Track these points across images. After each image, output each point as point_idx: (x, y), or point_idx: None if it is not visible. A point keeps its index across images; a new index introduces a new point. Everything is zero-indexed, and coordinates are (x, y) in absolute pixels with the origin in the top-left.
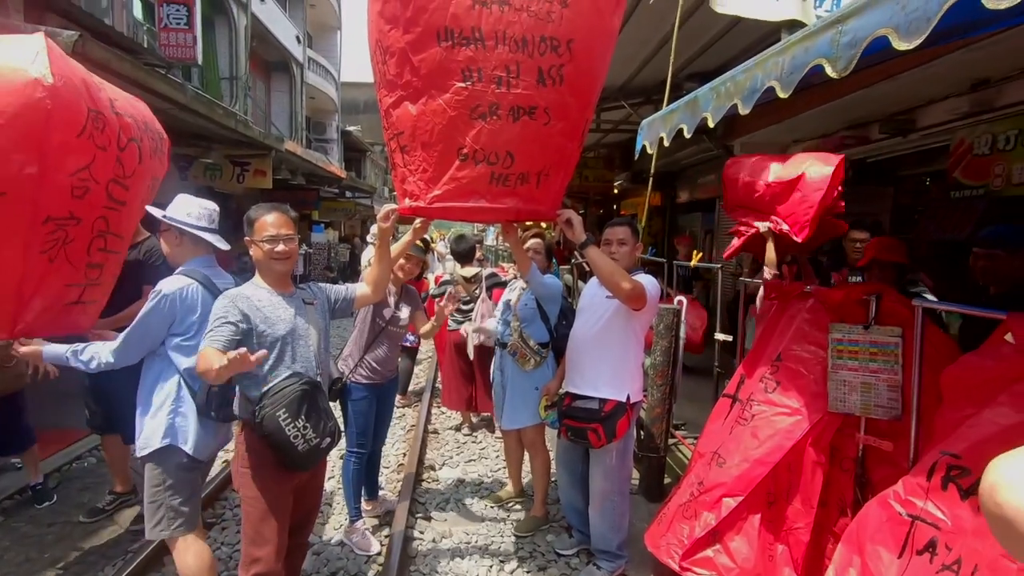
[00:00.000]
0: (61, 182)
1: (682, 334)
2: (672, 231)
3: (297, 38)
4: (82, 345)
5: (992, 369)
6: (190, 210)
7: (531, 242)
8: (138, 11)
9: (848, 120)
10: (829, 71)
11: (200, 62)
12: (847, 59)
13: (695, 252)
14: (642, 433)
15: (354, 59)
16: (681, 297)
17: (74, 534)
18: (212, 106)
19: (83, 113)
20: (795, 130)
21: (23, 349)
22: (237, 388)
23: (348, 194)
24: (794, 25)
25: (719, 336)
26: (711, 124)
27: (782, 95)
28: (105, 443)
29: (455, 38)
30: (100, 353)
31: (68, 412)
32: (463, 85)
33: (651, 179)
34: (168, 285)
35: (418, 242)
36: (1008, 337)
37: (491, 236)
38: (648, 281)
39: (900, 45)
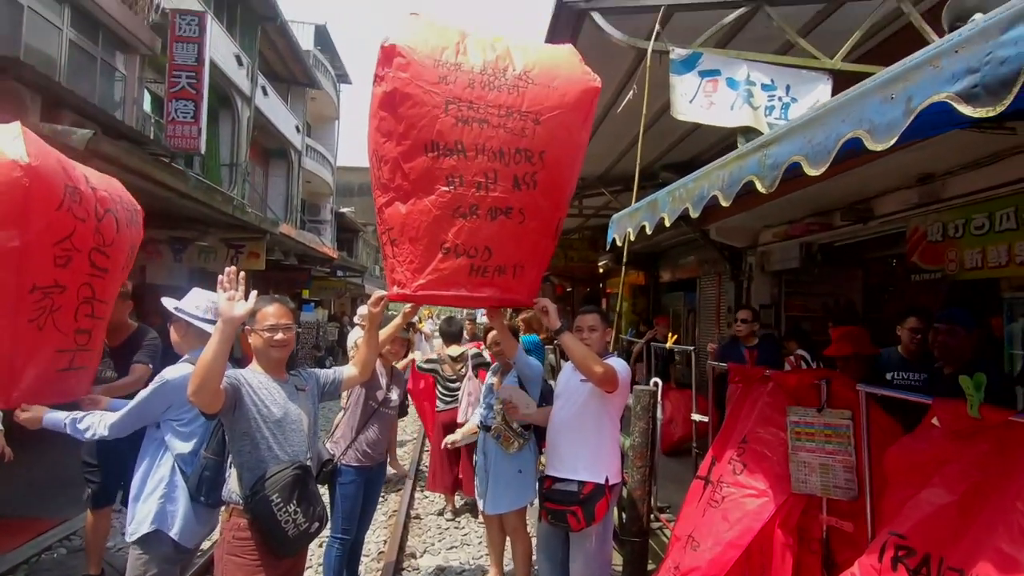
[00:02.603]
0: (44, 252)
1: (659, 415)
2: (656, 310)
3: (297, 127)
4: (80, 414)
5: (925, 451)
6: (198, 303)
7: (491, 335)
8: (148, 105)
9: (813, 208)
10: (759, 187)
11: (203, 151)
12: (772, 178)
13: (670, 334)
14: (624, 516)
15: (350, 145)
16: (657, 379)
17: None
18: (212, 193)
19: (60, 188)
20: (765, 217)
21: (23, 415)
22: (229, 472)
23: (339, 273)
24: (749, 131)
25: (695, 417)
26: (667, 223)
27: (724, 204)
28: (94, 520)
29: (440, 150)
30: (96, 425)
31: (37, 501)
32: (447, 189)
33: (624, 268)
34: (171, 372)
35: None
36: (934, 421)
37: (480, 314)
38: (619, 364)
39: (809, 171)
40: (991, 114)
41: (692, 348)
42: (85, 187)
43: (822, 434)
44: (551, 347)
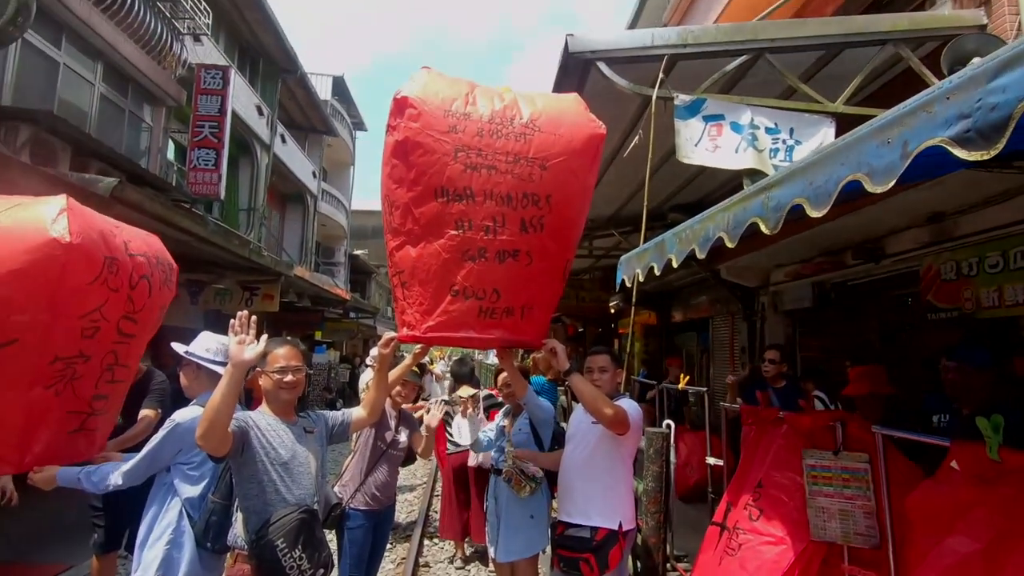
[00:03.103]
0: (72, 325)
1: (673, 459)
2: (670, 350)
3: (313, 173)
4: (93, 467)
5: (947, 496)
6: (208, 346)
7: (502, 376)
8: (171, 153)
9: (823, 247)
10: (763, 228)
11: (222, 197)
12: (775, 220)
13: (682, 375)
14: (639, 565)
15: (365, 189)
16: (669, 421)
17: None
18: (229, 237)
19: (99, 263)
20: (775, 256)
21: (36, 476)
22: (235, 516)
23: (352, 315)
24: (755, 173)
25: (710, 460)
26: (675, 264)
27: (729, 245)
28: (99, 566)
29: (450, 195)
30: (110, 475)
31: (42, 546)
32: (456, 232)
33: (633, 308)
34: (182, 415)
35: (414, 368)
36: (953, 464)
37: (492, 355)
38: (630, 406)
39: (812, 213)
40: (986, 157)
41: (705, 389)
42: (123, 256)
43: (840, 478)
44: (563, 388)
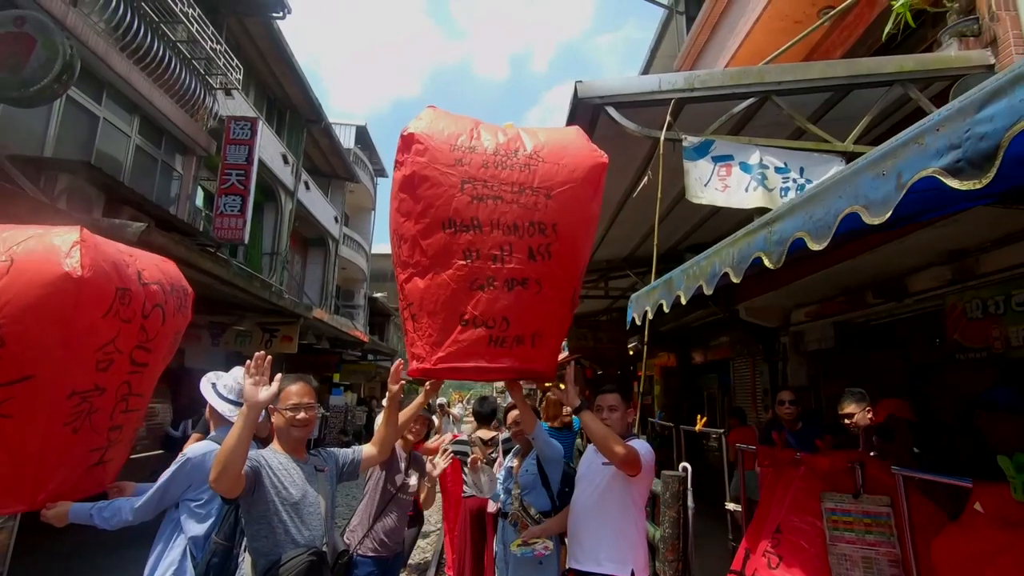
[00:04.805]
0: (87, 358)
1: (691, 503)
2: (689, 392)
3: (335, 218)
4: (104, 503)
5: (973, 541)
6: (226, 382)
7: (512, 414)
8: (200, 200)
9: (842, 286)
10: (766, 262)
11: (246, 241)
12: (778, 254)
13: (699, 416)
14: None
15: (385, 234)
16: (686, 464)
17: None
18: (251, 279)
19: (110, 295)
20: (794, 296)
21: (49, 513)
22: (241, 559)
23: (370, 357)
24: (766, 212)
25: (730, 506)
26: (683, 301)
27: (735, 280)
28: None
29: (457, 226)
30: (121, 511)
31: None
32: (464, 262)
33: (645, 347)
34: (194, 450)
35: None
36: (977, 507)
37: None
38: (642, 446)
39: (813, 246)
40: (977, 186)
41: (723, 431)
42: (136, 286)
43: (861, 523)
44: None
